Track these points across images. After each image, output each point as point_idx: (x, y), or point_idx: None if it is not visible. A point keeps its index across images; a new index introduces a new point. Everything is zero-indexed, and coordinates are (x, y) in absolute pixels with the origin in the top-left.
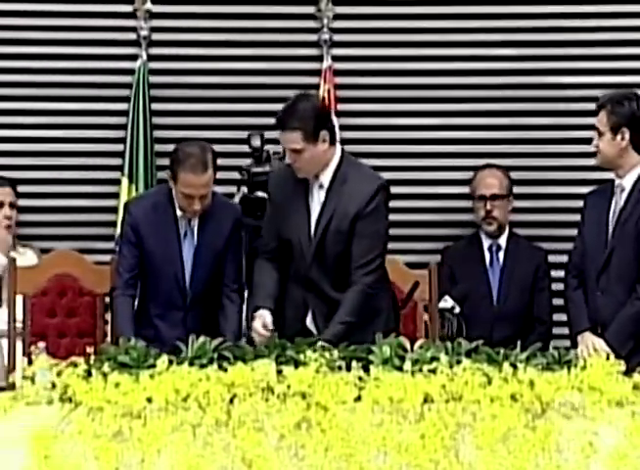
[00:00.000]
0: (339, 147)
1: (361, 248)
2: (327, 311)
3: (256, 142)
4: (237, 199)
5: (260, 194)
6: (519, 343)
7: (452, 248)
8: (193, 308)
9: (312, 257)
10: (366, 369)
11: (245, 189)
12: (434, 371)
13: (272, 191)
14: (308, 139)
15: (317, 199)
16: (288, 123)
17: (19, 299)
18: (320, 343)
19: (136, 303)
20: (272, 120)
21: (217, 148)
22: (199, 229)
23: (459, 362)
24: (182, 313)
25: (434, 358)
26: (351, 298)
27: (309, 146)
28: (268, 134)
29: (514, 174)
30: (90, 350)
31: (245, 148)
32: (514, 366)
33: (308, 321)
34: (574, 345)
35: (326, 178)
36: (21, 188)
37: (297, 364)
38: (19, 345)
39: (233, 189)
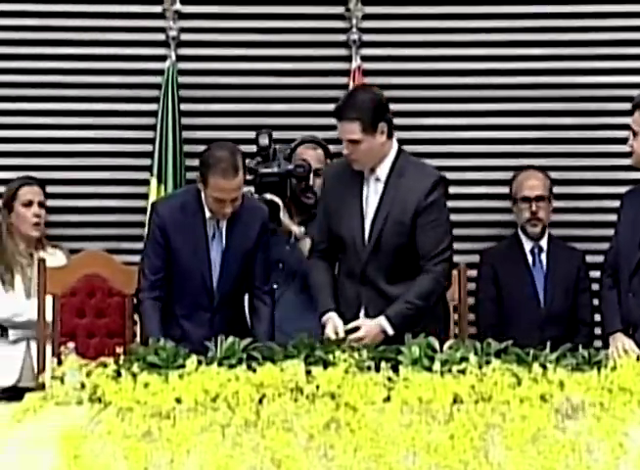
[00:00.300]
0: (395, 140)
1: (428, 239)
2: (381, 307)
3: (264, 141)
4: None
5: (269, 196)
6: (566, 345)
7: (493, 249)
8: (220, 310)
9: (369, 250)
10: (395, 370)
11: (252, 190)
12: (463, 372)
13: (326, 187)
14: (367, 130)
15: (373, 192)
16: (346, 113)
17: (48, 299)
18: (382, 319)
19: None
20: (302, 121)
21: (247, 149)
22: (227, 231)
23: (488, 363)
24: (209, 315)
25: (464, 359)
26: (422, 283)
27: (367, 137)
28: (286, 134)
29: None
30: (119, 350)
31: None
32: (543, 367)
33: (361, 317)
34: (607, 345)
35: (383, 171)
36: (50, 188)
37: (325, 365)
38: (48, 345)
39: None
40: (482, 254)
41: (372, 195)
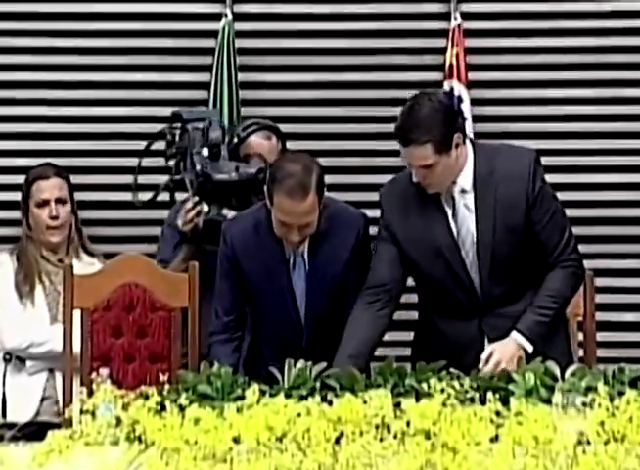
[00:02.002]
0: (468, 141)
1: (552, 232)
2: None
3: (216, 134)
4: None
5: (231, 214)
6: None
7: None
8: (311, 348)
9: (485, 274)
10: (505, 402)
11: (205, 207)
12: (590, 405)
13: (387, 217)
14: (440, 150)
15: (462, 206)
16: (412, 137)
17: (76, 315)
18: (514, 334)
19: (244, 345)
20: (394, 94)
21: (317, 128)
22: (310, 252)
23: (621, 394)
24: (298, 354)
25: (591, 388)
26: (553, 281)
27: (442, 158)
28: (362, 111)
29: None
30: (164, 377)
31: (364, 128)
32: None
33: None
34: None
35: (466, 179)
36: (76, 178)
37: (418, 396)
38: (76, 374)
39: None
40: None
41: (461, 210)
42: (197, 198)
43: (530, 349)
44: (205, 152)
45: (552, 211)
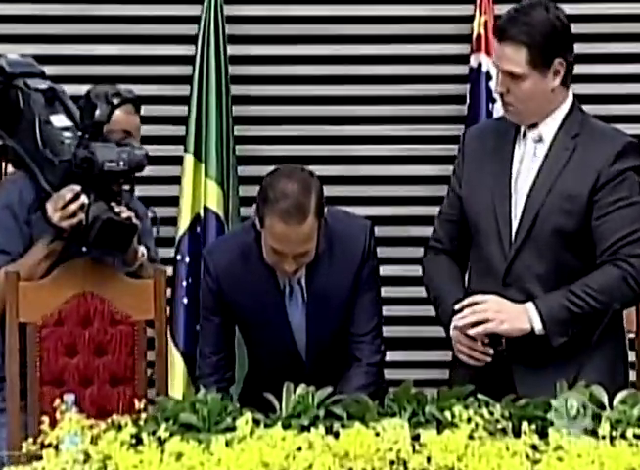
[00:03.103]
0: (571, 93)
1: (611, 224)
2: None
3: (103, 111)
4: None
5: (125, 215)
6: None
7: None
8: (314, 382)
9: (521, 236)
10: (543, 434)
11: (85, 198)
12: None
13: (464, 153)
14: (535, 62)
15: (530, 156)
16: (510, 33)
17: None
18: (529, 306)
19: (232, 388)
20: (410, 70)
21: (321, 110)
22: (308, 278)
23: None
24: None
25: None
26: (602, 275)
27: (534, 73)
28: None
29: None
30: (139, 404)
31: (376, 110)
32: None
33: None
34: None
35: (549, 129)
36: None
37: (440, 427)
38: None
39: None
40: None
41: (527, 159)
42: (78, 187)
43: (539, 329)
44: (58, 123)
45: (623, 204)
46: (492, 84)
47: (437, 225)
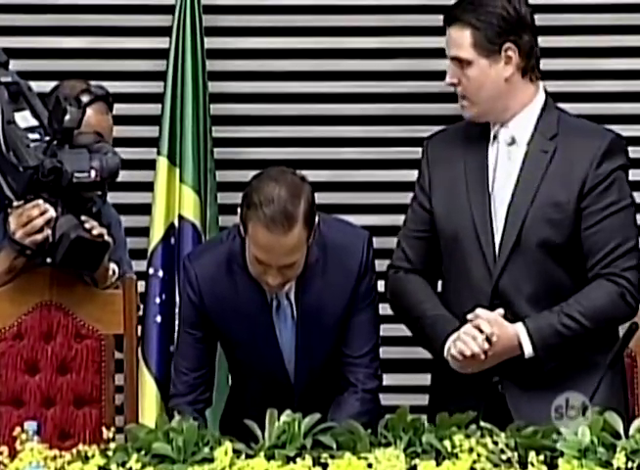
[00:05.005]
0: (542, 89)
1: (602, 233)
2: None
3: (73, 115)
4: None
5: (97, 232)
6: None
7: None
8: (304, 410)
9: (508, 250)
10: (552, 465)
11: (52, 212)
12: None
13: (428, 161)
14: (481, 46)
15: (505, 160)
16: (455, 12)
17: None
18: (519, 328)
19: (208, 411)
20: (407, 65)
21: (307, 109)
22: (298, 292)
23: None
24: None
25: None
26: (593, 293)
27: (480, 59)
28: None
29: None
30: (108, 433)
31: (369, 109)
32: None
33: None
34: None
35: (522, 129)
36: None
37: (439, 457)
38: None
39: None
40: None
41: (502, 165)
42: (41, 202)
43: (529, 352)
44: (23, 122)
45: (613, 209)
46: None
47: (403, 242)
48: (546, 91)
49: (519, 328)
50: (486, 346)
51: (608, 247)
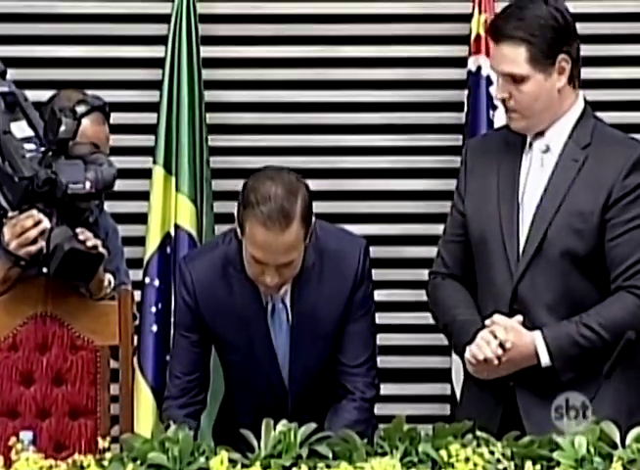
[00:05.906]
0: (582, 97)
1: (626, 246)
2: None
3: (69, 126)
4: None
5: (91, 243)
6: None
7: None
8: (298, 417)
9: (530, 255)
10: None
11: (47, 223)
12: None
13: (466, 168)
14: (537, 61)
15: (538, 168)
16: (507, 30)
17: None
18: (537, 337)
19: (203, 415)
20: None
21: (306, 118)
22: (294, 296)
23: None
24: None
25: None
26: (613, 305)
27: (536, 74)
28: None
29: None
30: (103, 443)
31: (366, 118)
32: None
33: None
34: None
35: (557, 137)
36: None
37: (435, 467)
38: None
39: None
40: None
41: (534, 172)
42: (35, 212)
43: (545, 362)
44: (19, 133)
45: (638, 222)
46: (493, 89)
47: (441, 247)
48: (585, 100)
49: (536, 336)
50: (500, 351)
51: (630, 259)
